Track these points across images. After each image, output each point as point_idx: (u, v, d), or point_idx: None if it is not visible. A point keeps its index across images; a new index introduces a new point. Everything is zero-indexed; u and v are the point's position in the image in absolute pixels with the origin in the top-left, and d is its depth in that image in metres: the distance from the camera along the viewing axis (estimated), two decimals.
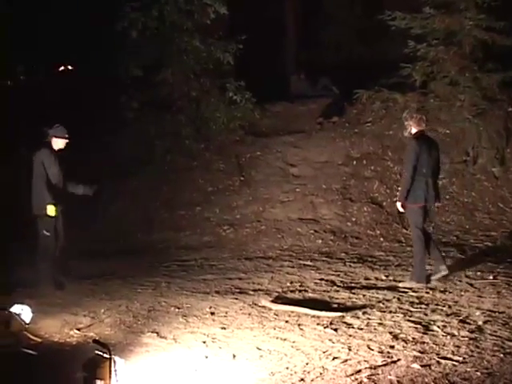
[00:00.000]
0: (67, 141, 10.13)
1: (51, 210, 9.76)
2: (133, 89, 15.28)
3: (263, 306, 8.48)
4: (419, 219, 8.96)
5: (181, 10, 15.19)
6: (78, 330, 8.02)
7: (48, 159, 9.94)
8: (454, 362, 6.22)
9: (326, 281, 9.54)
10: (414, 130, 9.14)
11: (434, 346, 6.71)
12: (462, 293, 8.48)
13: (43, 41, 20.37)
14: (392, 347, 6.76)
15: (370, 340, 7.02)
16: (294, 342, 7.17)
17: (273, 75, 17.90)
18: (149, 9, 15.15)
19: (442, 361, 6.28)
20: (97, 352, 5.77)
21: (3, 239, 12.00)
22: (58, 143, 10.10)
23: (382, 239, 11.80)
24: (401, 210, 9.12)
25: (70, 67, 23.98)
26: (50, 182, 9.89)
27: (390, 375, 6.04)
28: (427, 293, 8.59)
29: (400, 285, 9.00)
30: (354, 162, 13.94)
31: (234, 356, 6.89)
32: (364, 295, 8.69)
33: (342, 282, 9.47)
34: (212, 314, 8.33)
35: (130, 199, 14.49)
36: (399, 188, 9.27)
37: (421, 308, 8.00)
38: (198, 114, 15.64)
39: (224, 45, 15.35)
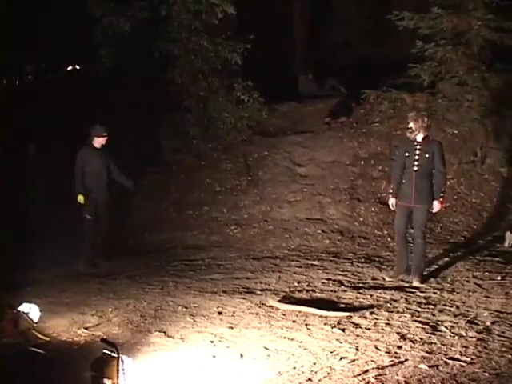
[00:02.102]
0: (106, 138, 11.61)
1: (80, 199, 11.36)
2: (141, 88, 15.30)
3: (271, 306, 8.48)
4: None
5: (189, 10, 15.19)
6: (86, 329, 8.04)
7: (86, 156, 11.50)
8: (462, 363, 6.22)
9: (334, 281, 9.54)
10: (421, 136, 9.06)
11: (442, 346, 6.71)
12: (470, 293, 8.47)
13: (51, 41, 20.43)
14: (399, 347, 6.76)
15: (378, 340, 7.02)
16: (301, 341, 7.17)
17: (281, 75, 17.89)
18: (157, 9, 15.18)
19: (450, 361, 6.28)
20: (105, 351, 5.80)
21: (12, 238, 12.10)
22: (99, 141, 11.59)
23: (389, 239, 11.77)
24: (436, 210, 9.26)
25: (78, 67, 24.07)
26: (82, 175, 11.44)
27: (398, 375, 6.04)
28: (435, 293, 8.58)
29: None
30: (362, 162, 13.93)
31: (242, 355, 6.90)
32: (371, 295, 8.68)
33: (349, 281, 9.46)
34: (219, 313, 8.35)
35: (138, 198, 14.50)
36: (442, 189, 9.12)
37: (428, 308, 7.99)
38: (205, 114, 15.65)
39: (232, 45, 15.34)
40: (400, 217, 9.36)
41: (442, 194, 9.08)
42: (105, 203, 11.72)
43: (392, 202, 9.38)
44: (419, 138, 9.06)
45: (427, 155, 8.99)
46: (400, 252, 9.52)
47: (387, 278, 9.41)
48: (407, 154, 9.13)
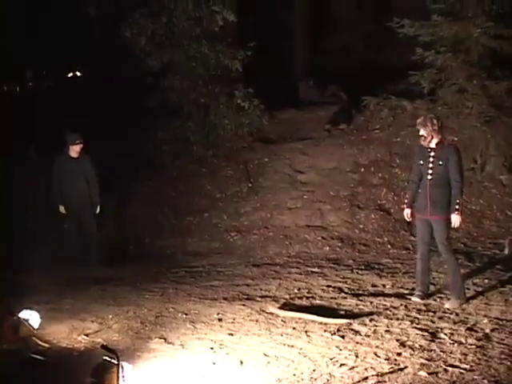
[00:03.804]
0: (81, 146, 11.47)
1: (61, 209, 11.63)
2: (142, 95, 15.33)
3: (270, 313, 8.49)
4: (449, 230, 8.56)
5: (189, 16, 15.23)
6: (86, 335, 8.05)
7: (63, 166, 11.55)
8: (461, 370, 6.24)
9: (334, 288, 9.54)
10: (435, 141, 8.40)
11: (441, 353, 6.72)
12: (470, 300, 8.47)
13: (52, 47, 20.46)
14: (399, 354, 6.77)
15: (377, 347, 7.03)
16: (301, 348, 7.18)
17: (281, 82, 17.93)
18: (158, 15, 15.22)
19: (449, 368, 6.29)
20: (105, 358, 5.81)
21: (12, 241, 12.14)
22: (74, 149, 11.50)
23: (389, 246, 11.80)
24: (457, 225, 8.43)
25: (78, 73, 24.10)
26: (57, 186, 11.58)
27: (397, 383, 6.06)
28: (434, 300, 8.59)
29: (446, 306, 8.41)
30: (362, 169, 13.94)
31: (242, 362, 6.91)
32: (371, 302, 8.69)
33: (349, 288, 9.47)
34: (219, 320, 8.35)
35: (138, 204, 14.54)
36: (459, 199, 8.32)
37: (428, 315, 8.00)
38: (206, 121, 15.68)
39: (232, 52, 15.38)
40: (420, 231, 8.70)
41: (457, 207, 8.30)
42: (88, 212, 11.74)
43: (406, 212, 8.73)
44: (433, 144, 8.40)
45: (441, 162, 8.32)
46: (419, 271, 8.79)
47: (415, 299, 8.61)
48: (422, 162, 8.48)
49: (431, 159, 8.39)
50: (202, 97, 15.62)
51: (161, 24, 15.24)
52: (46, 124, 16.45)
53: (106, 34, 16.05)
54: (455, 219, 8.31)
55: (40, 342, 7.68)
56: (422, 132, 8.41)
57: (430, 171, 8.38)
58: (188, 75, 15.55)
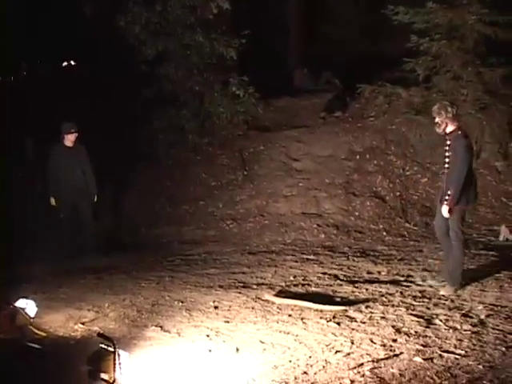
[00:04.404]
0: (75, 134, 11.47)
1: (52, 201, 11.66)
2: (137, 84, 15.29)
3: (266, 300, 8.51)
4: (461, 220, 8.39)
5: (184, 5, 15.17)
6: (83, 324, 8.06)
7: (57, 155, 11.50)
8: (457, 356, 6.27)
9: (329, 275, 9.57)
10: (450, 128, 8.21)
11: (437, 339, 6.75)
12: (465, 287, 8.50)
13: (45, 37, 20.37)
14: (394, 341, 6.80)
15: (373, 333, 7.06)
16: (297, 335, 7.21)
17: (276, 70, 17.90)
18: (152, 4, 15.17)
19: (445, 354, 6.32)
20: (101, 345, 5.82)
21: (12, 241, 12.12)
22: (69, 138, 11.49)
23: (384, 233, 11.83)
24: (447, 215, 8.22)
25: (72, 62, 24.01)
26: (52, 176, 11.58)
27: (393, 368, 6.08)
28: (430, 287, 8.61)
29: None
30: (357, 157, 13.95)
31: (238, 349, 6.93)
32: (367, 289, 8.72)
33: (344, 276, 9.49)
34: (215, 307, 8.37)
35: (134, 193, 14.54)
36: (450, 192, 8.11)
37: (423, 302, 8.03)
38: (201, 109, 15.65)
39: (227, 40, 15.33)
40: (436, 218, 8.59)
41: (446, 197, 8.17)
42: (84, 201, 11.73)
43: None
44: (447, 131, 8.25)
45: (452, 151, 8.20)
46: (444, 256, 8.88)
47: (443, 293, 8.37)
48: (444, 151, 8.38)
49: (447, 147, 8.29)
50: (197, 85, 15.58)
51: (155, 12, 15.17)
52: (42, 114, 16.41)
53: (100, 23, 15.95)
54: (443, 209, 8.18)
55: (36, 331, 7.69)
56: (436, 119, 8.29)
57: (447, 160, 8.28)
58: (183, 63, 15.50)
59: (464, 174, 8.08)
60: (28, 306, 7.92)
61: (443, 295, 8.24)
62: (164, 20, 15.36)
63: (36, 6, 19.34)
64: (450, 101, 8.88)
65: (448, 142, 8.24)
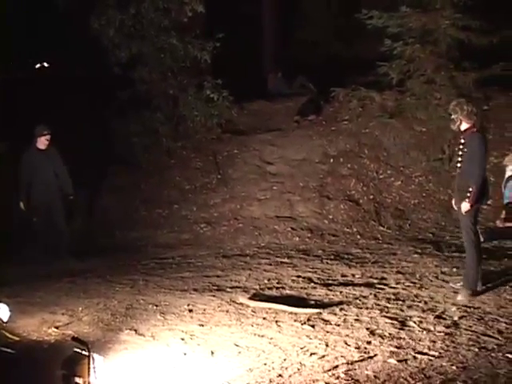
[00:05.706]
0: (49, 137, 11.39)
1: (21, 206, 11.51)
2: (111, 86, 15.22)
3: (241, 303, 8.51)
4: (473, 219, 8.21)
5: (158, 8, 15.14)
6: (57, 328, 8.02)
7: (31, 158, 11.41)
8: (430, 357, 6.31)
9: (303, 278, 9.59)
10: (464, 126, 8.09)
11: (411, 341, 6.79)
12: (438, 289, 8.56)
13: (18, 39, 20.24)
14: (369, 343, 6.83)
15: (347, 336, 7.09)
16: (271, 338, 7.22)
17: (250, 73, 17.92)
18: (126, 6, 15.12)
19: (418, 356, 6.36)
20: (75, 350, 5.78)
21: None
22: (42, 141, 11.40)
23: (358, 236, 11.86)
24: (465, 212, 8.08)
25: (46, 64, 23.87)
26: (23, 180, 11.47)
27: (367, 370, 6.11)
28: (404, 289, 8.66)
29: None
30: (331, 160, 13.99)
31: (212, 353, 6.93)
32: (341, 292, 8.74)
33: (319, 278, 9.51)
34: (190, 311, 8.37)
35: (108, 197, 14.47)
36: (472, 189, 7.89)
37: (397, 304, 8.07)
38: (175, 112, 15.62)
39: (201, 43, 15.31)
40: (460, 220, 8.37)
41: (468, 194, 7.94)
42: (58, 204, 11.68)
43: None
44: (462, 129, 8.13)
45: (466, 150, 8.05)
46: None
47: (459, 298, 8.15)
48: (456, 149, 8.34)
49: (460, 146, 8.18)
50: (171, 88, 15.54)
51: (129, 15, 15.12)
52: (14, 117, 16.27)
53: (74, 25, 15.87)
54: (464, 206, 8.03)
55: (9, 335, 7.64)
56: (452, 116, 8.19)
57: (460, 159, 8.18)
58: (157, 66, 15.45)
59: (485, 170, 8.05)
60: (1, 310, 7.87)
61: (459, 300, 8.05)
62: (138, 23, 15.31)
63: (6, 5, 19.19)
64: (467, 100, 8.66)
65: (462, 141, 8.15)
